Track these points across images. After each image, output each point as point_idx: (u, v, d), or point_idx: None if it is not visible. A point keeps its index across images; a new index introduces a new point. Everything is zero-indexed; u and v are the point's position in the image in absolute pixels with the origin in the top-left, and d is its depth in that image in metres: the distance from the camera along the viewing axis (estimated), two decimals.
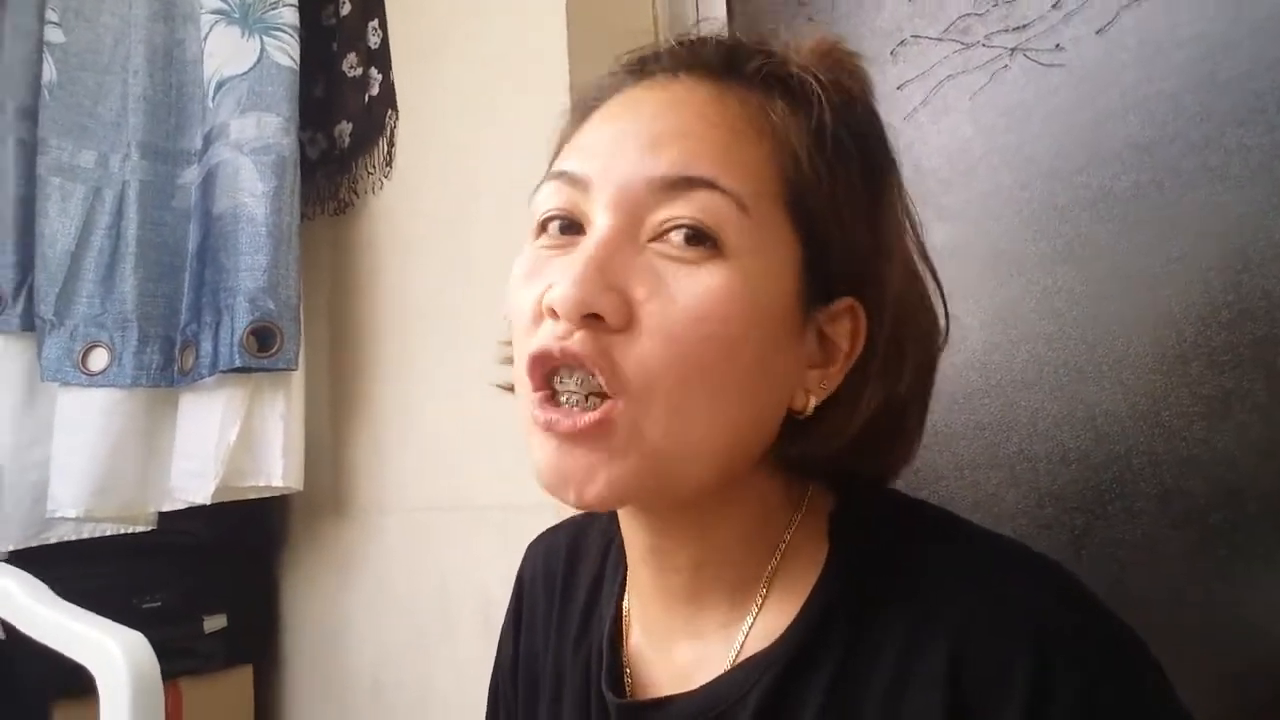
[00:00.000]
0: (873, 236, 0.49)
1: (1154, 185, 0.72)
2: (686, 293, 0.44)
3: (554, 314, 0.44)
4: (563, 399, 0.45)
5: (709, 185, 0.44)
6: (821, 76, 0.49)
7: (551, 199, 0.48)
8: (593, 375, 0.44)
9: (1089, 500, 0.74)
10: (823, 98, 0.48)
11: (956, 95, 0.86)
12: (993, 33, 0.83)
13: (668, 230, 0.45)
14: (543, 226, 0.49)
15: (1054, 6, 0.79)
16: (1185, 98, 0.71)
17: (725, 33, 0.54)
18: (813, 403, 0.48)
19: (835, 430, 0.49)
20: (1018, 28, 0.82)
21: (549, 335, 0.44)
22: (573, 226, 0.48)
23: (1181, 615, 0.69)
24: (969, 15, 0.85)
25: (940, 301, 0.53)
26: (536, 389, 0.45)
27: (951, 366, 0.84)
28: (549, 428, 0.45)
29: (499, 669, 0.68)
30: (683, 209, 0.44)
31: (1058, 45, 0.79)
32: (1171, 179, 0.71)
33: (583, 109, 0.53)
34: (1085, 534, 0.74)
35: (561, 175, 0.48)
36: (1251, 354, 0.67)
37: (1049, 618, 0.43)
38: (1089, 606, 0.45)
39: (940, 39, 0.88)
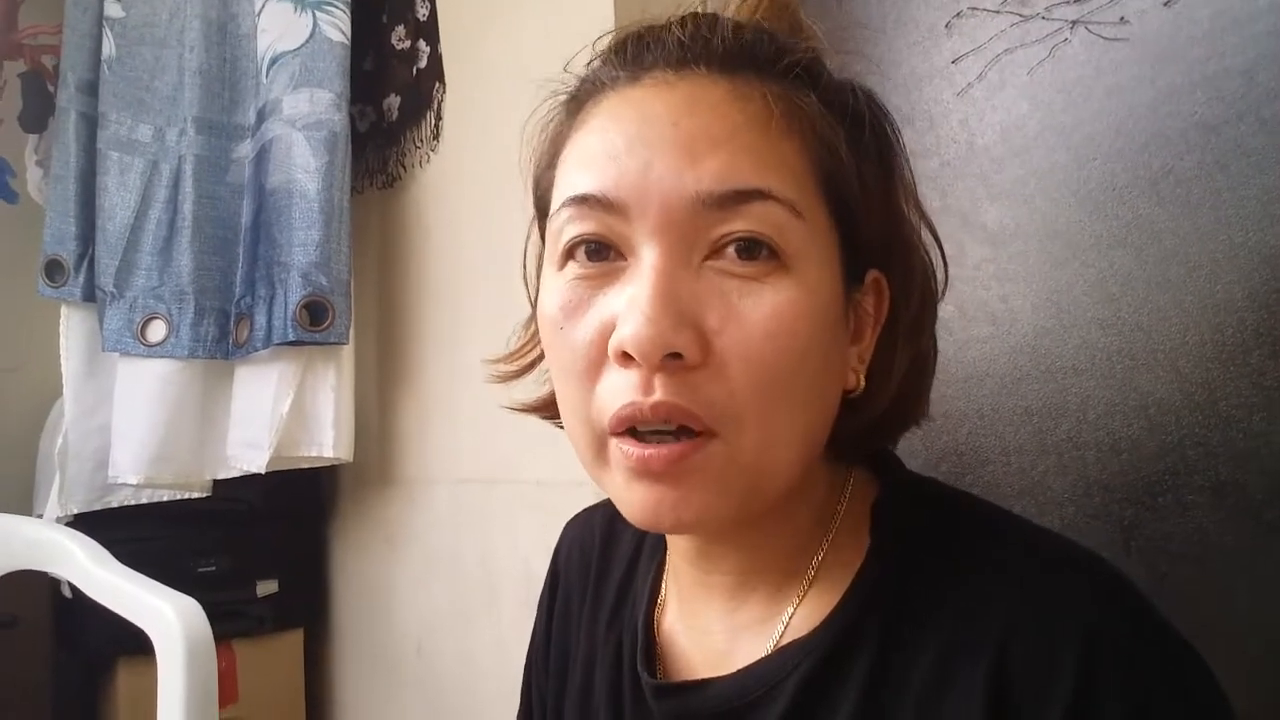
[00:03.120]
0: (889, 208, 0.49)
1: (1219, 166, 0.69)
2: (757, 313, 0.42)
3: (627, 358, 0.42)
4: (644, 431, 0.43)
5: (763, 195, 0.42)
6: (817, 54, 0.48)
7: (579, 225, 0.45)
8: (685, 420, 0.42)
9: (1139, 491, 0.72)
10: (829, 80, 0.47)
11: (1013, 70, 0.83)
12: (1053, 4, 0.80)
13: (724, 246, 0.43)
14: (569, 253, 0.46)
15: None
16: (1259, 73, 0.68)
17: (725, 16, 0.50)
18: (862, 379, 0.49)
19: (875, 398, 0.49)
20: (1080, 0, 0.78)
21: (631, 390, 0.42)
22: (605, 250, 0.45)
23: (1232, 613, 0.67)
24: None
25: (939, 255, 0.53)
26: (617, 435, 0.44)
27: (1001, 350, 0.82)
28: (643, 464, 0.43)
29: (533, 648, 0.69)
30: (739, 224, 0.42)
31: (1122, 18, 0.76)
32: (1238, 160, 0.68)
33: (574, 103, 0.50)
34: (1134, 525, 0.72)
35: (587, 200, 0.44)
36: None
37: (1098, 619, 0.41)
38: (1141, 610, 0.43)
39: (998, 11, 0.85)
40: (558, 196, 0.47)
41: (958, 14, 0.88)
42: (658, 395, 0.42)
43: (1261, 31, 0.68)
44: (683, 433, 0.42)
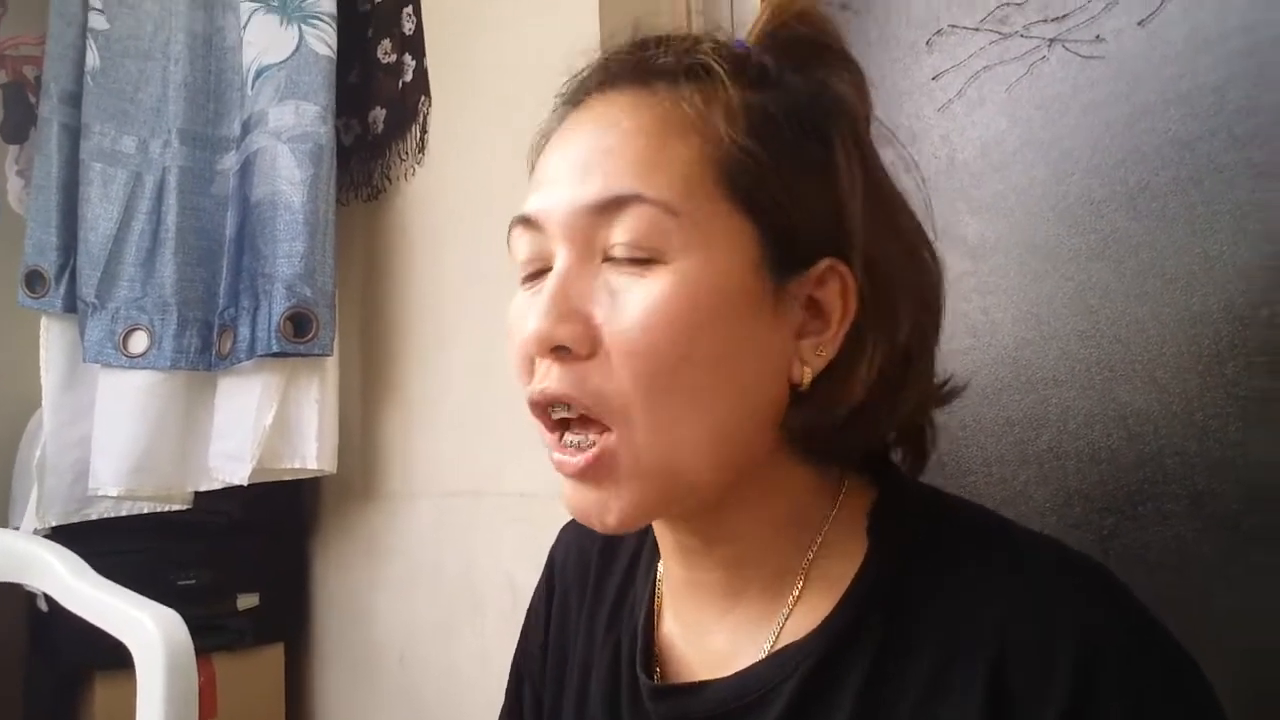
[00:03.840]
0: (830, 195, 0.48)
1: (1193, 181, 0.71)
2: (633, 305, 0.45)
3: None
4: (567, 440, 0.48)
5: (636, 199, 0.46)
6: (723, 54, 0.49)
7: (519, 248, 0.51)
8: (577, 407, 0.46)
9: (1119, 500, 0.73)
10: (725, 78, 0.48)
11: (993, 87, 0.85)
12: (1031, 23, 0.82)
13: (613, 249, 0.47)
14: (521, 268, 0.51)
15: None
16: (1230, 91, 0.69)
17: (647, 35, 0.52)
18: (808, 374, 0.48)
19: (840, 395, 0.48)
20: (1057, 18, 0.80)
21: (535, 380, 0.48)
22: (538, 264, 0.50)
23: (1210, 621, 0.68)
24: (1007, 5, 0.84)
25: (928, 248, 0.52)
26: (549, 430, 0.49)
27: (982, 362, 0.83)
28: (560, 469, 0.48)
29: (524, 652, 0.69)
30: (617, 228, 0.46)
31: (1098, 36, 0.77)
32: (1211, 175, 0.70)
33: (543, 141, 0.54)
34: (1113, 534, 0.73)
35: (522, 221, 0.50)
36: None
37: (1094, 621, 0.42)
38: (1136, 613, 0.44)
39: (977, 29, 0.86)
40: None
41: (938, 31, 0.89)
42: (546, 383, 0.47)
43: (1233, 50, 0.69)
44: (582, 422, 0.47)
